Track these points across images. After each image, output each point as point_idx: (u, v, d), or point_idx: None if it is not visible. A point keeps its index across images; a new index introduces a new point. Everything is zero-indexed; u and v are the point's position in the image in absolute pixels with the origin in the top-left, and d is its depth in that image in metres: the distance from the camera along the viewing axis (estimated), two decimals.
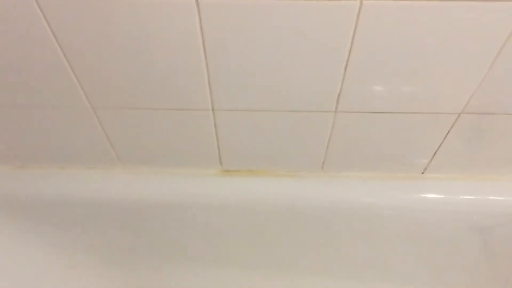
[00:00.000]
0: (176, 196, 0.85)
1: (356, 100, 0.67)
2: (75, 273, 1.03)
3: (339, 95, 0.66)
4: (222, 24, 0.56)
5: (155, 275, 1.07)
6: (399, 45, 0.57)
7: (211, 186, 0.84)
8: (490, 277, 0.95)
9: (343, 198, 0.83)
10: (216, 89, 0.66)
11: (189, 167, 0.85)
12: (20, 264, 0.94)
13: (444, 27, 0.55)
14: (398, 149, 0.77)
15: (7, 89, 0.69)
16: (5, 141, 0.81)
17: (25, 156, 0.85)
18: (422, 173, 0.83)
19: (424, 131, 0.72)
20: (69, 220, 0.92)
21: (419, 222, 0.86)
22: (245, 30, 0.56)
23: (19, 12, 0.56)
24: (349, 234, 0.91)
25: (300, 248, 0.98)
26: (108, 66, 0.63)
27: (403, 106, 0.68)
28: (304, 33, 0.56)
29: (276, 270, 1.05)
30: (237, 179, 0.84)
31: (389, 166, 0.82)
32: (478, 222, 0.85)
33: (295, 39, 0.57)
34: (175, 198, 0.85)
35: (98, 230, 0.95)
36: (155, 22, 0.56)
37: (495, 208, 0.82)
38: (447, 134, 0.73)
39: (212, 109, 0.70)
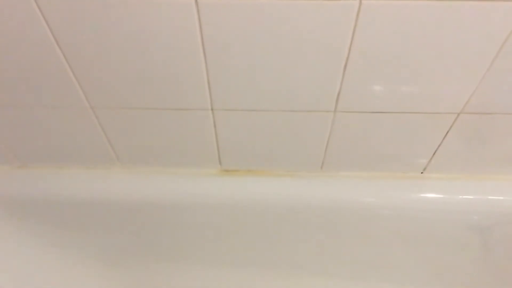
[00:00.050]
0: (175, 195, 0.85)
1: (356, 100, 0.67)
2: (75, 273, 1.03)
3: (338, 94, 0.66)
4: (221, 24, 0.56)
5: (155, 275, 1.07)
6: (398, 45, 0.57)
7: (210, 186, 0.84)
8: (490, 277, 0.95)
9: (342, 198, 0.83)
10: (216, 89, 0.66)
11: (188, 167, 0.85)
12: (18, 264, 0.94)
13: (443, 27, 0.55)
14: (398, 149, 0.77)
15: (7, 89, 0.69)
16: (4, 141, 0.81)
17: (24, 156, 0.85)
18: (422, 172, 0.83)
19: (423, 131, 0.72)
20: (68, 220, 0.92)
21: (419, 222, 0.86)
22: (244, 30, 0.56)
23: (18, 12, 0.56)
24: (348, 234, 0.91)
25: (299, 247, 0.98)
26: (107, 66, 0.63)
27: (403, 106, 0.68)
28: (303, 33, 0.56)
29: (275, 270, 1.05)
30: (237, 179, 0.84)
31: (388, 165, 0.82)
32: (478, 222, 0.85)
33: (294, 39, 0.57)
34: (174, 198, 0.85)
35: (97, 230, 0.95)
36: (154, 22, 0.56)
37: (495, 208, 0.82)
38: (446, 134, 0.73)
39: (212, 109, 0.70)
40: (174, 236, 0.97)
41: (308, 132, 0.74)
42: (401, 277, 1.02)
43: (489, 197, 0.82)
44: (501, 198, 0.81)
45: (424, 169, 0.82)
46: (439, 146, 0.76)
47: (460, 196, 0.82)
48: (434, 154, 0.78)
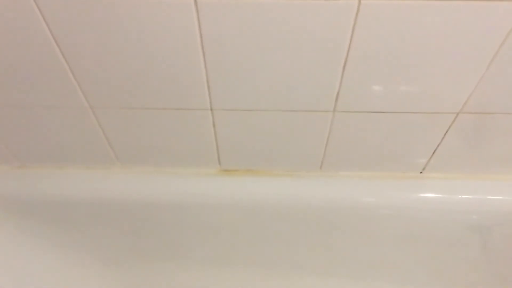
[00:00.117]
0: (174, 195, 0.85)
1: (355, 100, 0.67)
2: (74, 273, 1.03)
3: (337, 94, 0.66)
4: (221, 24, 0.56)
5: (154, 275, 1.07)
6: (397, 45, 0.57)
7: (210, 186, 0.84)
8: (490, 276, 0.95)
9: (341, 198, 0.83)
10: (215, 89, 0.66)
11: (187, 167, 0.85)
12: (18, 264, 0.94)
13: (442, 26, 0.55)
14: (397, 149, 0.77)
15: (6, 89, 0.69)
16: (4, 141, 0.81)
17: (23, 156, 0.85)
18: (421, 172, 0.83)
19: (422, 130, 0.72)
20: (68, 219, 0.92)
21: (418, 222, 0.86)
22: (243, 29, 0.56)
23: (17, 12, 0.56)
24: (348, 234, 0.91)
25: (299, 247, 0.98)
26: (106, 65, 0.63)
27: (402, 106, 0.68)
28: (302, 33, 0.56)
29: (275, 270, 1.05)
30: (236, 179, 0.84)
31: (387, 165, 0.82)
32: (477, 221, 0.85)
33: (293, 39, 0.57)
34: (173, 198, 0.85)
35: (97, 229, 0.95)
36: (153, 22, 0.56)
37: (495, 208, 0.82)
38: (445, 133, 0.73)
39: (211, 109, 0.70)
40: (174, 236, 0.97)
41: (308, 132, 0.74)
42: (401, 277, 1.02)
43: (489, 197, 0.81)
44: (501, 198, 0.81)
45: (424, 169, 0.82)
46: (438, 146, 0.76)
47: (460, 196, 0.81)
48: (433, 154, 0.78)
